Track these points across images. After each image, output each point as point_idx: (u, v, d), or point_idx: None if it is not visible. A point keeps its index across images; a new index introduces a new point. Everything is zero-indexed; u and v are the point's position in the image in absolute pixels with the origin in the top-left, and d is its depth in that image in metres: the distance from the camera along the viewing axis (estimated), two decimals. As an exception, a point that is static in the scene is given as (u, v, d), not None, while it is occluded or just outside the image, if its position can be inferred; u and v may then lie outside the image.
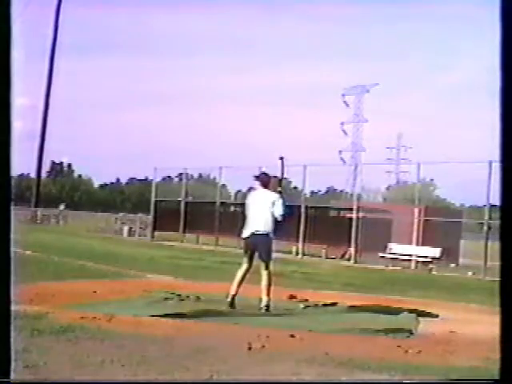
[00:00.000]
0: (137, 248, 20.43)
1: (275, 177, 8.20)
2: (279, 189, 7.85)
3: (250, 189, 8.80)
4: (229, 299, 7.30)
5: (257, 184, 7.79)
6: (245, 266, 7.49)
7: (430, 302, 9.25)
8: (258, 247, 7.47)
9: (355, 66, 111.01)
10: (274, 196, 7.54)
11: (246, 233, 7.58)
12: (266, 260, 7.45)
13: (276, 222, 7.49)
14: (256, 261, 7.54)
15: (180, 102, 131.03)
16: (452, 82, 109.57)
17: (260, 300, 7.30)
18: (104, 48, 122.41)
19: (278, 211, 7.44)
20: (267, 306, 7.26)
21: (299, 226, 21.44)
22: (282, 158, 8.13)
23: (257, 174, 8.07)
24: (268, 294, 7.31)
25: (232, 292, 7.34)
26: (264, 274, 7.37)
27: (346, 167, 69.98)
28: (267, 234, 7.47)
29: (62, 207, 40.62)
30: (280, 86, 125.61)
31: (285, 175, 8.35)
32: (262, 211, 7.45)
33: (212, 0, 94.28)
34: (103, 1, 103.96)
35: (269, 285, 7.35)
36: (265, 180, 7.72)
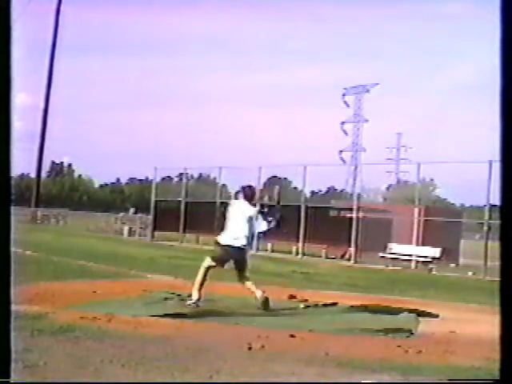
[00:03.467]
0: (137, 248, 20.43)
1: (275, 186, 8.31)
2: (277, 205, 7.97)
3: (237, 193, 8.87)
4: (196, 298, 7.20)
5: (240, 195, 7.82)
6: (209, 264, 7.39)
7: (430, 302, 9.25)
8: (232, 258, 7.44)
9: (355, 66, 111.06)
10: (252, 211, 7.52)
11: (222, 240, 7.52)
12: (242, 269, 7.46)
13: (251, 235, 7.56)
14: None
15: (180, 102, 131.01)
16: (452, 81, 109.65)
17: (256, 299, 7.29)
18: (104, 48, 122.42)
19: (258, 227, 7.58)
20: (266, 300, 7.26)
21: (299, 226, 21.44)
22: (279, 187, 8.47)
23: (243, 186, 8.00)
24: (256, 290, 7.34)
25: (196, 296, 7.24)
26: (244, 278, 7.41)
27: (345, 167, 70.15)
28: (242, 248, 7.44)
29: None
30: (280, 86, 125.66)
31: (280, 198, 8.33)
32: (239, 224, 7.44)
33: (211, 0, 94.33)
34: (103, 1, 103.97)
35: (251, 282, 7.40)
36: (248, 193, 7.70)
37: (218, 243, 7.57)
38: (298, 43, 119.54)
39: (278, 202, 8.09)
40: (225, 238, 7.50)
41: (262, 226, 7.63)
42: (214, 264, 7.41)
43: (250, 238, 7.56)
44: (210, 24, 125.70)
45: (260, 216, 7.60)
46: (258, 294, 7.31)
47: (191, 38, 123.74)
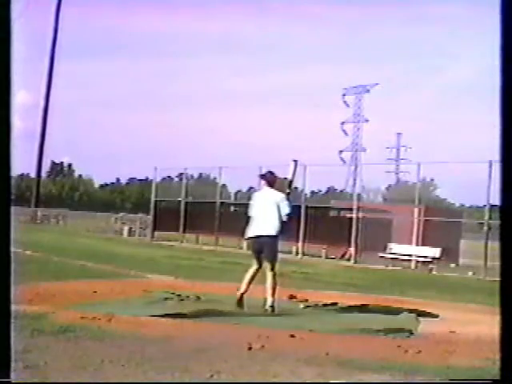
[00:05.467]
0: (137, 248, 20.43)
1: (285, 178, 8.12)
2: (288, 190, 7.75)
3: (251, 188, 8.74)
4: (237, 297, 7.20)
5: (262, 183, 7.74)
6: (254, 267, 7.41)
7: (430, 302, 9.25)
8: (263, 249, 7.39)
9: (355, 66, 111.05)
10: (280, 196, 7.46)
11: (250, 233, 7.51)
12: (271, 261, 7.39)
13: (281, 222, 7.42)
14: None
15: (180, 102, 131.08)
16: (452, 81, 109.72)
17: (265, 300, 7.25)
18: (104, 48, 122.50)
19: (284, 211, 7.38)
20: (272, 307, 7.21)
21: (299, 226, 21.43)
22: (295, 161, 7.94)
23: (262, 173, 7.96)
24: (273, 295, 7.24)
25: (240, 290, 7.25)
26: (269, 275, 7.31)
27: (345, 167, 70.25)
28: (272, 236, 7.40)
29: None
30: (280, 86, 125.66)
31: (295, 178, 8.18)
32: (267, 212, 7.37)
33: (212, 1, 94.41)
34: (103, 1, 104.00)
35: (274, 285, 7.28)
36: (270, 179, 7.61)
37: (247, 239, 7.45)
38: (298, 43, 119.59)
39: (290, 186, 7.88)
40: (252, 231, 7.43)
41: (286, 209, 7.38)
42: (256, 264, 7.31)
43: (279, 224, 7.37)
44: (211, 24, 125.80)
45: (286, 201, 7.42)
46: (269, 300, 7.22)
47: (191, 39, 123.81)
